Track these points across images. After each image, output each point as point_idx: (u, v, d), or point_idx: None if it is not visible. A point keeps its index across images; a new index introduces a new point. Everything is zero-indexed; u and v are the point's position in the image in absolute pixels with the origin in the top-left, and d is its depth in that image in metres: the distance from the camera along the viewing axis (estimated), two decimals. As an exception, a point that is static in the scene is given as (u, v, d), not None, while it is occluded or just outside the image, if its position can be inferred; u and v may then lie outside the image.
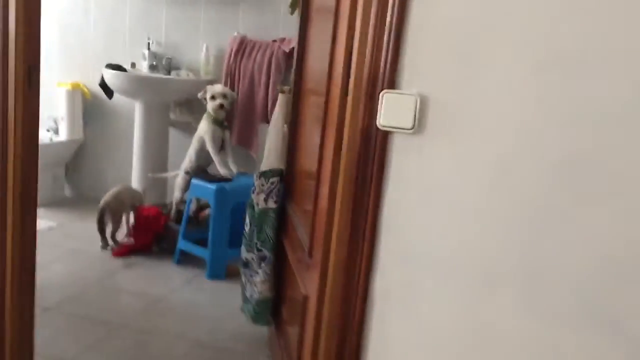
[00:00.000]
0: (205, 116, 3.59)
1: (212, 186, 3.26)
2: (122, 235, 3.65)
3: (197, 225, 3.55)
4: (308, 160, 2.10)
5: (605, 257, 1.27)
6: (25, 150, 1.84)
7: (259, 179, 2.37)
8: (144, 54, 4.11)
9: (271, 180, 2.35)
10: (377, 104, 1.47)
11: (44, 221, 3.88)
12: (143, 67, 4.12)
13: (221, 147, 3.57)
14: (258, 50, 3.86)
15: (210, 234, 3.27)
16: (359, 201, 1.53)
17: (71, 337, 2.56)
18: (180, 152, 4.17)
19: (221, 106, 3.49)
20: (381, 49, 1.45)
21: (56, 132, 4.34)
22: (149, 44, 4.10)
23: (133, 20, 4.20)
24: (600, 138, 1.24)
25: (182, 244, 3.42)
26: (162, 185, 4.07)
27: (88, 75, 4.30)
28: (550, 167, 1.30)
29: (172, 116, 4.17)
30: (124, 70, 4.04)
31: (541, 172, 1.31)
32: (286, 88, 2.47)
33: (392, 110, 1.46)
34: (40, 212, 3.95)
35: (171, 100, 4.07)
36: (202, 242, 3.37)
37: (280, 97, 2.45)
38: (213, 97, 3.52)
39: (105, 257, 3.46)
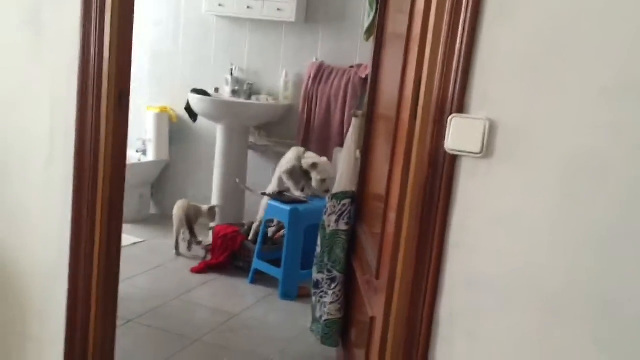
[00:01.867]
0: (296, 151, 3.64)
1: (286, 207, 3.33)
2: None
3: (272, 245, 3.63)
4: (378, 184, 2.12)
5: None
6: (113, 171, 1.96)
7: (331, 200, 2.42)
8: (227, 80, 4.29)
9: (343, 202, 2.39)
10: (446, 127, 1.48)
11: (131, 237, 4.08)
12: (226, 92, 4.30)
13: (302, 189, 3.62)
14: (335, 76, 3.94)
15: (283, 254, 3.34)
16: (425, 224, 1.54)
17: (150, 349, 2.68)
18: (259, 173, 4.30)
19: (323, 181, 3.45)
20: (450, 74, 1.47)
21: (144, 153, 4.58)
22: (231, 70, 4.27)
23: (218, 48, 4.40)
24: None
25: (256, 264, 3.51)
26: (240, 205, 4.20)
27: (175, 99, 4.52)
28: (617, 192, 1.27)
29: (251, 139, 4.30)
30: (208, 95, 4.23)
31: (610, 198, 1.29)
32: (360, 112, 2.52)
33: (460, 134, 1.47)
34: (126, 228, 4.16)
35: (251, 124, 4.21)
36: (276, 262, 3.44)
37: (354, 121, 2.50)
38: (314, 165, 3.48)
39: (184, 273, 3.59)
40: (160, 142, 4.49)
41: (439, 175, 1.51)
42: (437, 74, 1.49)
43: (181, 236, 3.95)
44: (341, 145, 3.86)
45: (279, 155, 4.21)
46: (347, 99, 3.87)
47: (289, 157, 3.62)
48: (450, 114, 1.48)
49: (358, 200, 2.45)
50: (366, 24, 2.81)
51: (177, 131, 4.59)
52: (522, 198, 1.42)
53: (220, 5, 4.18)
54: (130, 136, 4.64)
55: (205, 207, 3.97)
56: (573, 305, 1.36)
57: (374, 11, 2.57)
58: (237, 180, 4.03)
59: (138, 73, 4.65)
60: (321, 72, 3.99)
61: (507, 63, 1.42)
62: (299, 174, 3.58)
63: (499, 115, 1.44)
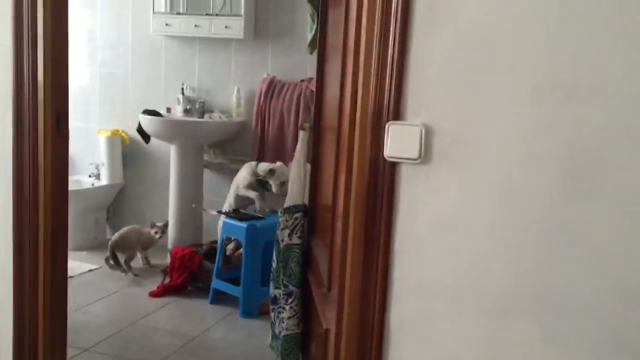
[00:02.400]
0: (249, 167, 3.64)
1: (242, 224, 3.31)
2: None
3: (231, 264, 3.59)
4: (327, 195, 2.12)
5: (622, 277, 1.26)
6: (55, 197, 1.92)
7: (283, 215, 2.40)
8: (178, 99, 4.25)
9: (295, 216, 2.38)
10: (384, 135, 1.49)
11: (86, 264, 4.00)
12: (178, 112, 4.26)
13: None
14: (287, 90, 3.94)
15: (242, 272, 3.31)
16: (370, 232, 1.54)
17: (106, 377, 2.61)
18: (215, 191, 4.26)
19: (282, 184, 3.49)
20: (385, 82, 1.48)
21: (98, 177, 4.50)
22: (182, 89, 4.24)
23: (168, 67, 4.36)
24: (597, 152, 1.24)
25: (216, 283, 3.46)
26: (198, 225, 4.15)
27: (127, 121, 4.46)
28: (552, 190, 1.30)
29: (206, 157, 4.27)
30: (159, 114, 4.18)
31: (545, 196, 1.31)
32: (307, 125, 2.52)
33: (398, 141, 1.48)
34: (82, 255, 4.10)
35: (204, 142, 4.18)
36: (236, 281, 3.40)
37: (301, 134, 2.50)
38: (272, 171, 3.54)
39: (142, 297, 3.52)
40: (113, 166, 4.42)
41: (380, 183, 1.51)
42: (371, 83, 1.50)
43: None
44: (295, 159, 3.86)
45: (235, 173, 4.19)
46: (299, 112, 3.87)
47: (243, 175, 3.60)
48: (387, 121, 1.48)
49: (310, 213, 2.44)
50: (309, 37, 2.83)
51: (130, 153, 4.53)
52: (462, 202, 1.44)
53: (167, 25, 4.15)
54: (82, 161, 4.61)
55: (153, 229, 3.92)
56: (518, 304, 1.38)
57: (315, 24, 2.58)
58: (194, 205, 3.99)
59: (89, 96, 4.60)
60: (272, 87, 3.99)
61: (439, 69, 1.44)
62: (256, 187, 3.57)
63: (435, 120, 1.46)
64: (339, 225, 1.70)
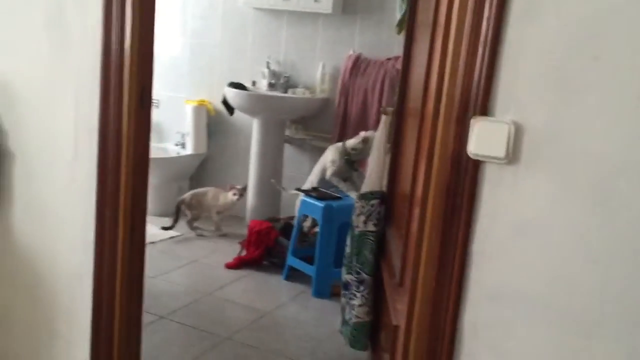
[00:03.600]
0: (335, 149, 3.60)
1: (319, 204, 3.28)
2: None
3: (307, 242, 3.58)
4: (406, 184, 2.04)
5: None
6: (136, 169, 1.94)
7: (360, 200, 2.35)
8: (263, 73, 4.25)
9: (371, 202, 2.32)
10: (469, 130, 1.40)
11: (169, 232, 4.11)
12: (263, 86, 4.26)
13: (345, 179, 3.59)
14: (372, 69, 3.85)
15: (316, 251, 3.29)
16: (447, 231, 1.46)
17: (180, 347, 2.68)
18: (295, 167, 4.27)
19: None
20: (474, 71, 1.38)
21: (183, 146, 4.60)
22: (268, 63, 4.23)
23: (255, 40, 4.36)
24: None
25: (290, 260, 3.47)
26: (275, 200, 4.17)
27: (213, 92, 4.51)
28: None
29: (288, 132, 4.26)
30: (244, 88, 4.20)
31: (646, 211, 1.19)
32: (389, 109, 2.44)
33: (484, 137, 1.39)
34: (164, 222, 4.22)
35: (287, 117, 4.17)
36: (311, 259, 3.39)
37: (383, 118, 2.42)
38: (366, 140, 3.50)
39: (218, 268, 3.59)
40: (198, 136, 4.50)
41: (462, 180, 1.43)
42: (459, 72, 1.41)
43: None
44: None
45: (316, 149, 4.17)
46: (383, 92, 3.77)
47: (330, 159, 3.55)
48: (474, 115, 1.39)
49: (388, 201, 2.37)
50: (398, 16, 2.72)
51: (215, 124, 4.59)
52: (551, 207, 1.33)
53: (257, -3, 4.14)
54: (170, 129, 4.71)
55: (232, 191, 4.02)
56: (605, 325, 1.27)
57: (405, 4, 2.47)
58: (272, 180, 4.00)
59: (179, 66, 4.69)
60: (358, 65, 3.91)
61: (536, 62, 1.33)
62: (344, 170, 3.54)
63: (526, 118, 1.35)
64: (415, 218, 1.63)
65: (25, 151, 2.08)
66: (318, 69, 4.11)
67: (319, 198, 3.35)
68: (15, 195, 2.12)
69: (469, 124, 1.39)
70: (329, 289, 3.28)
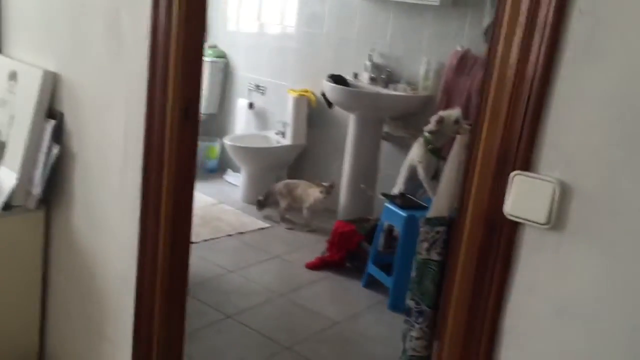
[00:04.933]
0: (418, 143, 3.38)
1: (402, 213, 3.08)
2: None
3: (393, 248, 3.40)
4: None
5: None
6: (179, 179, 1.89)
7: (424, 225, 2.14)
8: (365, 65, 4.07)
9: (436, 229, 2.10)
10: (506, 186, 1.17)
11: (259, 222, 4.11)
12: (364, 79, 4.09)
13: (434, 176, 3.34)
14: (480, 68, 3.53)
15: (395, 263, 3.11)
16: (476, 300, 1.25)
17: (236, 352, 2.64)
18: (392, 165, 4.07)
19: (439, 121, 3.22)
20: (517, 116, 1.15)
21: (283, 135, 4.56)
22: (370, 56, 4.04)
23: (361, 31, 4.18)
24: None
25: (370, 268, 3.32)
26: (369, 198, 4.00)
27: (316, 83, 4.41)
28: None
29: (386, 129, 4.07)
30: (345, 80, 4.06)
31: None
32: (466, 127, 2.17)
33: (524, 196, 1.16)
34: (257, 212, 4.22)
35: (385, 115, 3.97)
36: (390, 267, 3.22)
37: (458, 138, 2.17)
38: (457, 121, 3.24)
39: (298, 267, 3.52)
40: (297, 127, 4.43)
41: (496, 243, 1.21)
42: (501, 113, 1.18)
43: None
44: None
45: (416, 149, 3.94)
46: (489, 94, 3.45)
47: (418, 157, 3.32)
48: (513, 169, 1.16)
49: (455, 228, 2.13)
50: (486, 22, 2.42)
51: (316, 115, 4.49)
52: (600, 286, 1.09)
53: (363, -14, 3.95)
54: (273, 117, 4.69)
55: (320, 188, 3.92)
56: None
57: (494, 7, 2.18)
58: (362, 186, 3.85)
59: (287, 54, 4.63)
60: (464, 62, 3.61)
61: (592, 111, 1.08)
62: (434, 161, 3.29)
63: (575, 177, 1.11)
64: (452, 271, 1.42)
65: (85, 154, 2.11)
66: (422, 63, 3.85)
67: (402, 206, 3.15)
68: (76, 195, 2.16)
69: (507, 179, 1.16)
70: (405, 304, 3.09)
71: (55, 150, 2.12)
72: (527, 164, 1.14)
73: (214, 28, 5.07)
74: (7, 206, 2.14)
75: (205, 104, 4.98)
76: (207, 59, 4.89)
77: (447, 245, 2.13)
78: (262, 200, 4.20)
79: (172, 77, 1.78)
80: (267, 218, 4.17)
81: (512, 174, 1.15)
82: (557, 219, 1.11)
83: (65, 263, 2.24)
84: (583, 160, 1.08)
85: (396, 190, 3.46)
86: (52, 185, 2.17)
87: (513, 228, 1.17)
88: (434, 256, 2.12)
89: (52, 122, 2.13)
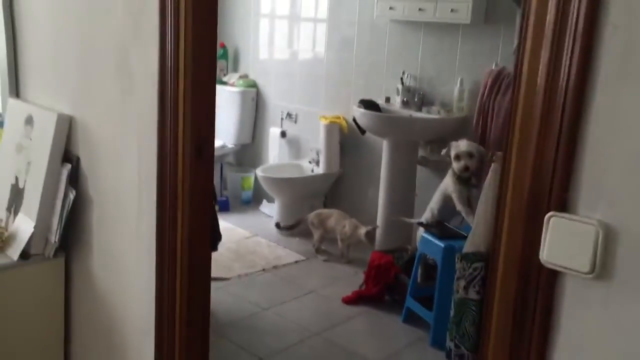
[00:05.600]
0: (450, 173, 3.23)
1: (439, 243, 2.92)
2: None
3: (434, 279, 3.22)
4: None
5: None
6: (193, 227, 1.78)
7: (460, 262, 1.98)
8: (397, 89, 3.94)
9: (474, 265, 1.95)
10: (542, 229, 1.02)
11: (294, 254, 3.99)
12: (396, 102, 3.96)
13: (468, 204, 3.17)
14: (516, 85, 3.36)
15: (435, 297, 2.93)
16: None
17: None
18: (429, 191, 3.89)
19: (466, 169, 3.09)
20: (549, 149, 1.01)
21: (317, 163, 4.45)
22: (402, 79, 3.91)
23: (390, 54, 4.06)
24: None
25: (409, 302, 3.15)
26: (408, 226, 3.83)
27: (348, 108, 4.30)
28: None
29: (422, 153, 3.91)
30: (375, 104, 3.93)
31: None
32: (500, 154, 2.01)
33: (561, 241, 1.01)
34: (293, 242, 4.11)
35: (419, 139, 3.82)
36: (430, 300, 3.04)
37: (493, 166, 2.00)
38: (457, 157, 3.13)
39: (335, 302, 3.37)
40: (330, 154, 4.31)
41: (532, 296, 1.06)
42: (531, 144, 1.04)
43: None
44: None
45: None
46: (527, 113, 3.27)
47: (452, 187, 3.16)
48: (548, 210, 1.01)
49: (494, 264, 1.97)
50: (516, 40, 2.26)
51: (349, 141, 4.37)
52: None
53: (391, 8, 3.83)
54: (306, 145, 4.59)
55: (363, 230, 3.74)
56: None
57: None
58: (393, 218, 3.71)
59: (316, 80, 4.55)
60: (500, 81, 3.44)
61: (636, 140, 0.92)
62: (465, 189, 3.13)
63: (621, 219, 0.95)
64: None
65: (101, 198, 2.04)
66: (456, 84, 3.70)
67: (440, 236, 2.98)
68: (94, 241, 2.09)
69: (541, 221, 1.02)
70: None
71: (72, 195, 2.06)
72: (563, 204, 0.99)
73: (245, 58, 5.04)
74: (25, 254, 2.08)
75: (238, 135, 4.94)
76: (238, 89, 4.85)
77: (485, 283, 1.97)
78: (288, 226, 4.10)
79: (182, 116, 1.70)
80: (301, 252, 4.05)
81: (547, 215, 1.00)
82: (602, 267, 0.96)
83: (85, 312, 2.17)
84: (629, 198, 0.93)
85: (425, 217, 3.30)
86: (70, 231, 2.11)
87: (552, 278, 1.02)
88: (473, 295, 1.96)
89: (68, 167, 2.07)
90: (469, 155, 3.10)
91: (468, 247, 2.02)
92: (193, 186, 1.76)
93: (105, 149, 1.99)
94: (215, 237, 3.20)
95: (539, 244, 1.02)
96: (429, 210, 3.29)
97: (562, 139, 0.97)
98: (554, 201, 1.00)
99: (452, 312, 2.09)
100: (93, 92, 2.01)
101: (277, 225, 4.25)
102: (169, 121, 1.71)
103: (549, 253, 1.01)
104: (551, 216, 1.00)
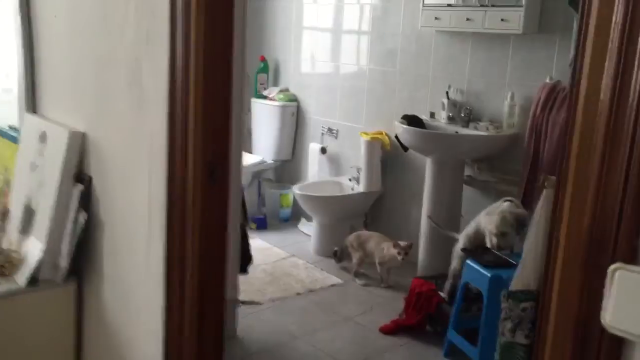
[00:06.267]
0: (489, 213, 2.99)
1: (485, 272, 2.66)
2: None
3: (479, 309, 2.97)
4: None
5: None
6: (205, 252, 1.62)
7: (507, 300, 1.74)
8: (443, 104, 3.71)
9: (522, 305, 1.71)
10: (604, 285, 0.80)
11: (332, 277, 3.79)
12: (441, 118, 3.73)
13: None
14: (572, 100, 3.09)
15: (480, 330, 2.68)
16: None
17: None
18: (475, 214, 3.65)
19: (499, 247, 2.84)
20: (612, 186, 0.78)
21: (358, 181, 4.24)
22: (447, 92, 3.68)
23: (436, 67, 3.84)
24: None
25: (451, 335, 2.90)
26: (451, 250, 3.57)
27: (391, 124, 4.09)
28: None
29: (468, 172, 3.66)
30: (419, 120, 3.71)
31: None
32: (553, 179, 1.76)
33: (631, 301, 0.78)
34: (330, 264, 3.91)
35: (465, 157, 3.58)
36: (475, 333, 2.78)
37: (545, 193, 1.76)
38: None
39: (372, 331, 3.15)
40: (371, 173, 4.10)
41: (592, 369, 0.83)
42: (591, 178, 0.82)
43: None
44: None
45: (502, 194, 3.52)
46: (585, 130, 3.00)
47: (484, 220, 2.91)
48: (613, 261, 0.79)
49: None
50: (573, 51, 2.02)
51: (392, 159, 4.16)
52: None
53: (436, 18, 3.62)
54: (347, 162, 4.40)
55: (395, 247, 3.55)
56: None
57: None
58: (429, 216, 3.47)
59: (358, 94, 4.36)
60: (554, 96, 3.17)
61: None
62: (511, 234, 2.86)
63: None
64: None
65: (112, 222, 1.90)
66: (506, 99, 3.45)
67: (487, 264, 2.72)
68: (105, 267, 1.95)
69: (604, 274, 0.79)
70: (494, 381, 2.65)
71: (83, 218, 1.92)
72: (632, 254, 0.77)
73: (286, 72, 4.90)
74: (34, 280, 1.95)
75: (277, 150, 4.80)
76: (278, 103, 4.71)
77: (536, 326, 1.72)
78: (338, 252, 3.90)
79: (192, 137, 1.54)
80: (343, 269, 3.85)
81: (611, 267, 0.78)
82: (686, 339, 0.73)
83: (97, 343, 2.03)
84: None
85: (462, 241, 3.06)
86: (82, 256, 1.98)
87: (617, 347, 0.80)
88: (521, 339, 1.72)
89: (80, 187, 1.94)
90: (502, 235, 2.83)
91: (516, 283, 1.79)
92: (204, 213, 1.59)
93: (116, 170, 1.86)
94: (245, 259, 3.03)
95: (600, 303, 0.80)
96: (465, 236, 3.06)
97: (632, 172, 0.75)
98: (620, 249, 0.78)
99: (496, 357, 1.86)
100: (105, 107, 1.88)
101: (334, 254, 3.97)
102: (178, 142, 1.56)
103: (613, 315, 0.79)
104: (617, 268, 0.78)
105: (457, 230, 3.46)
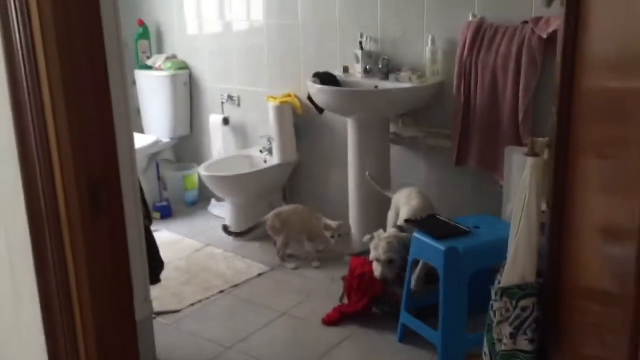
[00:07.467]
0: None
1: (438, 246, 2.32)
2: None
3: (432, 284, 2.63)
4: (590, 272, 1.07)
5: None
6: (99, 307, 1.13)
7: (500, 298, 1.39)
8: (356, 55, 3.30)
9: (521, 303, 1.36)
10: None
11: (256, 265, 3.36)
12: (357, 72, 3.32)
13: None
14: (502, 38, 2.77)
15: (440, 312, 2.36)
16: None
17: None
18: (405, 172, 3.35)
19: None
20: None
21: (270, 152, 3.79)
22: (360, 42, 3.27)
23: (343, 14, 3.41)
24: None
25: (404, 318, 2.57)
26: (383, 214, 3.22)
27: (299, 84, 3.64)
28: None
29: (394, 129, 3.31)
30: (333, 77, 3.29)
31: None
32: (540, 141, 1.39)
33: None
34: (253, 249, 3.47)
35: (390, 114, 3.21)
36: (432, 311, 2.46)
37: (530, 160, 1.39)
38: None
39: (313, 325, 2.77)
40: (284, 141, 3.65)
41: None
42: None
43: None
44: (515, 142, 2.73)
45: (432, 149, 3.22)
46: (521, 70, 2.70)
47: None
48: None
49: (549, 299, 1.38)
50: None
51: (305, 124, 3.72)
52: None
53: (338, -42, 3.17)
54: (254, 131, 3.90)
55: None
56: None
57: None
58: (367, 173, 3.13)
59: (256, 55, 3.86)
60: (481, 34, 2.85)
61: None
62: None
63: None
64: None
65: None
66: (427, 43, 3.08)
67: (436, 236, 2.38)
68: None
69: None
70: (461, 362, 2.36)
71: None
72: None
73: (170, 36, 4.29)
74: None
75: (173, 127, 4.24)
76: (166, 72, 4.12)
77: (539, 327, 1.38)
78: (240, 232, 3.50)
79: (55, 147, 1.02)
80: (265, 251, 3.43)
81: None
82: None
83: None
84: None
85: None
86: None
87: None
88: (524, 345, 1.37)
89: None
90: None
91: (508, 277, 1.43)
92: (90, 251, 1.10)
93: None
94: (155, 267, 2.53)
95: None
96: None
97: None
98: None
99: (486, 357, 1.52)
100: None
101: (225, 229, 3.56)
102: (35, 160, 1.04)
103: None
104: None
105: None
